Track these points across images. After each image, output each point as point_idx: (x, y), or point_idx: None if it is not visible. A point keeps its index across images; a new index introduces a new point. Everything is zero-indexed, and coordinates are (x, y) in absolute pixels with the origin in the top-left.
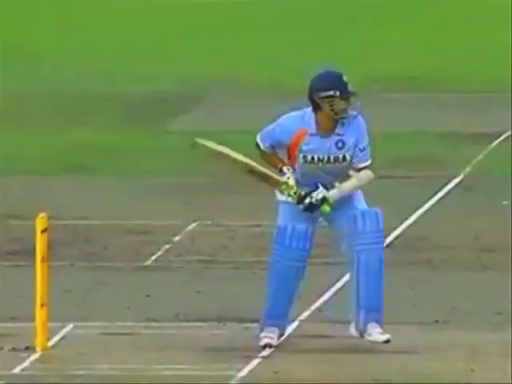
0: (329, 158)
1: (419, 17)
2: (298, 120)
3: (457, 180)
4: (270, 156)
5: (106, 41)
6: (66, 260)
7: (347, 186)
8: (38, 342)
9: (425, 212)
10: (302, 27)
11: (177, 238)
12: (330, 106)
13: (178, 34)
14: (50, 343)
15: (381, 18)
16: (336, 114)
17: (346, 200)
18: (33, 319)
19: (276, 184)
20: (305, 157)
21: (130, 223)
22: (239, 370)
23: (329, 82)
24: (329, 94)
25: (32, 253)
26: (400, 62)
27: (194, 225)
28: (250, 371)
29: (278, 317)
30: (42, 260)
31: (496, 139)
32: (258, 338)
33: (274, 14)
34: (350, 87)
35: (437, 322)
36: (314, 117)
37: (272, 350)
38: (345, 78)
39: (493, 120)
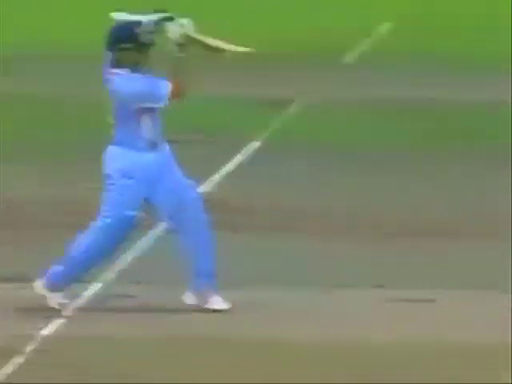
0: None
1: None
2: None
3: (256, 145)
4: None
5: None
6: None
7: None
8: None
9: (226, 175)
10: None
11: None
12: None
13: None
14: None
15: None
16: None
17: (166, 171)
18: None
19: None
20: None
21: None
22: (40, 329)
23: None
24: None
25: None
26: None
27: None
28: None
29: None
30: None
31: (290, 105)
32: None
33: None
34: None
35: None
36: None
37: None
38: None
39: (288, 86)
